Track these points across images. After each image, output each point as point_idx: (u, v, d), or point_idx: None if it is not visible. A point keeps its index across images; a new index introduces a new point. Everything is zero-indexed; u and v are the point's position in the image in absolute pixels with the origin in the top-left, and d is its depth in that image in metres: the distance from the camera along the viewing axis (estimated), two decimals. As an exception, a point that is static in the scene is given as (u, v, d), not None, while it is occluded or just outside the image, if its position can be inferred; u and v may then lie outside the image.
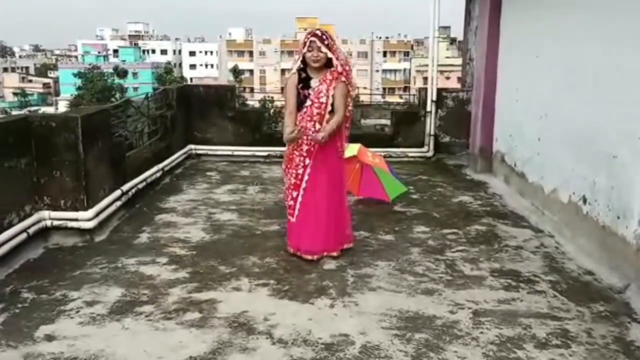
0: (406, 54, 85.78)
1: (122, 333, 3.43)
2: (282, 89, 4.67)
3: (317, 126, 4.39)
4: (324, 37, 4.36)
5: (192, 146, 8.29)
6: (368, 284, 4.14)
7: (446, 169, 7.94)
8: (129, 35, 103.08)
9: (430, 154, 8.44)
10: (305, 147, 4.46)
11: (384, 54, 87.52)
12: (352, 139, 5.42)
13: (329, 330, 3.47)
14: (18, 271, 4.27)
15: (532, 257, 4.72)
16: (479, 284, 4.17)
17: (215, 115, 8.37)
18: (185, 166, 7.86)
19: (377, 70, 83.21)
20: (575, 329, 3.53)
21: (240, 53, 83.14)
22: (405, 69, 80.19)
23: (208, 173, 7.55)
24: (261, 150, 8.40)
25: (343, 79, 4.41)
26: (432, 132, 8.39)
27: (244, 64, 79.96)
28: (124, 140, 5.92)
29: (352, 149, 5.77)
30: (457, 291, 4.04)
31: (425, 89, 8.41)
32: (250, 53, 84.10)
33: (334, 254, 4.58)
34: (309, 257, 4.51)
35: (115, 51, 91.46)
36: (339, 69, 4.41)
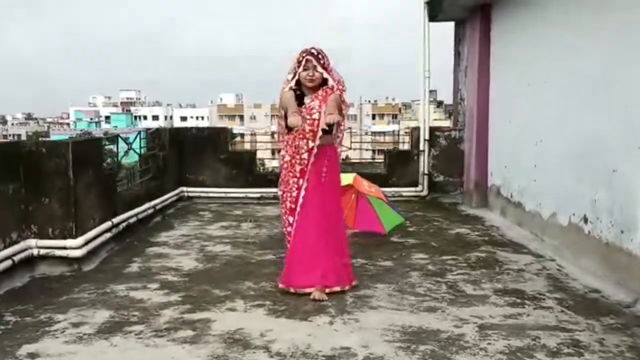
0: (394, 116, 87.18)
1: (111, 350, 3.24)
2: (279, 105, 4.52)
3: (310, 144, 4.21)
4: (320, 56, 4.24)
5: (184, 188, 8.19)
6: (368, 303, 3.98)
7: (441, 206, 7.86)
8: (122, 102, 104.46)
9: (424, 192, 8.37)
10: (298, 167, 4.27)
11: (373, 116, 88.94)
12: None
13: (330, 344, 3.30)
14: (2, 297, 4.09)
15: (535, 278, 4.59)
16: (482, 301, 4.03)
17: (208, 157, 8.32)
18: (177, 207, 7.74)
19: (367, 133, 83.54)
20: (586, 339, 3.37)
21: (231, 117, 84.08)
22: (394, 131, 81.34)
23: (200, 213, 7.42)
24: (254, 192, 8.31)
25: (337, 92, 4.27)
26: (425, 171, 8.36)
27: (234, 127, 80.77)
28: (115, 173, 5.82)
29: (347, 178, 5.71)
30: (461, 308, 3.88)
31: (418, 128, 8.44)
32: (241, 117, 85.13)
33: (335, 288, 4.16)
34: (303, 291, 4.09)
35: (108, 117, 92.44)
36: (332, 85, 4.28)
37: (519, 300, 4.03)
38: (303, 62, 4.24)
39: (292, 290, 4.15)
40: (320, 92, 4.27)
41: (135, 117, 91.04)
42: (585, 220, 4.72)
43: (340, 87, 4.34)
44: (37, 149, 4.61)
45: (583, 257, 4.72)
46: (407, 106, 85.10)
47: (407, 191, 8.36)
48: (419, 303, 3.99)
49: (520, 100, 6.29)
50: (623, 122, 4.21)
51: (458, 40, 8.53)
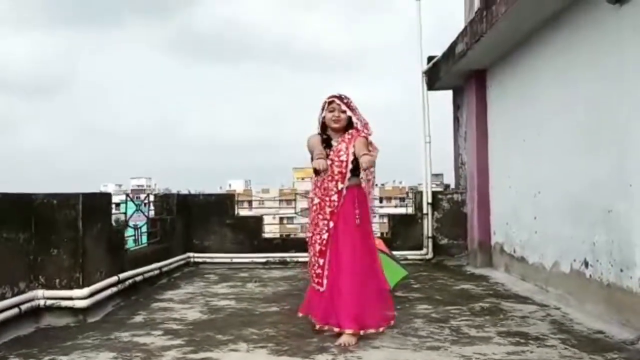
0: (402, 199, 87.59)
1: (113, 383, 3.24)
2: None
3: (340, 185, 4.23)
4: (344, 97, 4.32)
5: (191, 254, 8.26)
6: (371, 344, 3.98)
7: (446, 268, 7.87)
8: (132, 190, 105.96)
9: (429, 256, 8.39)
10: (328, 210, 4.26)
11: (380, 199, 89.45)
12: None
13: (331, 376, 3.30)
14: (7, 344, 4.11)
15: (540, 322, 4.57)
16: (486, 342, 4.01)
17: (215, 223, 8.44)
18: (183, 271, 7.78)
19: (374, 215, 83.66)
20: (590, 370, 3.36)
21: (240, 203, 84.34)
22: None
23: (206, 275, 7.46)
24: (260, 257, 8.36)
25: (363, 134, 4.29)
26: (430, 234, 8.42)
27: (243, 211, 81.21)
28: (122, 230, 5.94)
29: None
30: (464, 347, 3.88)
31: (421, 192, 8.58)
32: (250, 202, 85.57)
33: (376, 329, 4.10)
34: (321, 327, 4.11)
35: (118, 205, 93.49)
36: (359, 127, 4.32)
37: (522, 341, 4.02)
38: (328, 104, 4.34)
39: (311, 319, 4.22)
40: (346, 135, 4.32)
41: (145, 204, 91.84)
42: (586, 264, 4.75)
43: (367, 130, 4.36)
44: (48, 201, 4.77)
45: (587, 302, 4.72)
46: (413, 190, 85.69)
47: (412, 254, 8.38)
48: (422, 343, 3.99)
49: (517, 156, 6.47)
50: (614, 163, 4.36)
51: (457, 107, 8.84)
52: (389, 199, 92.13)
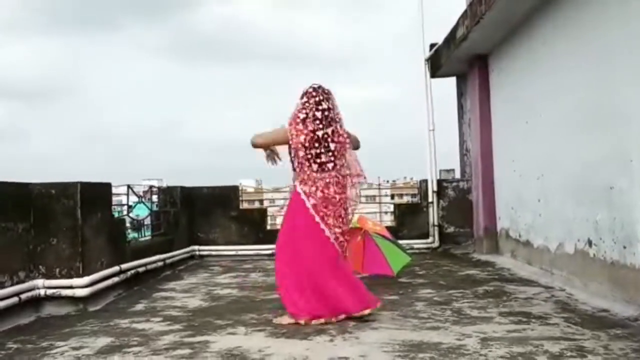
0: (413, 195, 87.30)
1: (107, 365, 3.23)
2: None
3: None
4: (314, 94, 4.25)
5: (196, 247, 8.26)
6: (370, 325, 3.93)
7: (452, 256, 7.81)
8: (144, 192, 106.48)
9: (435, 244, 8.33)
10: None
11: (392, 196, 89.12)
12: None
13: (327, 355, 3.25)
14: (6, 332, 4.10)
15: (543, 303, 4.51)
16: (487, 321, 3.95)
17: (219, 215, 8.43)
18: (187, 264, 7.77)
19: (386, 212, 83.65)
20: (591, 345, 3.28)
21: (251, 202, 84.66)
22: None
23: (211, 267, 7.44)
24: (265, 249, 8.32)
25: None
26: (435, 223, 8.36)
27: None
28: (124, 220, 5.94)
29: (352, 221, 5.72)
30: (465, 327, 3.81)
31: (426, 181, 8.51)
32: (261, 202, 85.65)
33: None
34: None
35: (130, 206, 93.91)
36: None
37: (524, 319, 3.96)
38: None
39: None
40: None
41: (150, 195, 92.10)
42: (590, 243, 4.68)
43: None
44: (46, 190, 4.77)
45: (592, 282, 4.65)
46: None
47: (418, 243, 8.33)
48: (422, 324, 3.93)
49: (520, 140, 6.39)
50: (615, 140, 4.28)
51: (460, 94, 8.76)
52: (400, 195, 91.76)
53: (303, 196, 4.18)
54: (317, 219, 4.16)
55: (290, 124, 4.22)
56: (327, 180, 4.17)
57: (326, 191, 4.16)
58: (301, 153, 4.17)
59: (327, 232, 4.16)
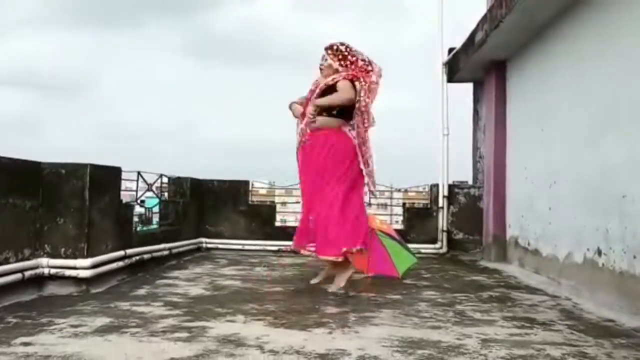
0: (425, 205, 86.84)
1: (103, 343, 3.21)
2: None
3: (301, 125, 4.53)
4: (330, 47, 4.51)
5: (203, 239, 8.25)
6: (370, 321, 3.89)
7: (460, 262, 7.73)
8: (156, 187, 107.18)
9: (443, 250, 8.26)
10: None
11: (403, 205, 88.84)
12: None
13: (325, 346, 3.22)
14: (7, 307, 4.11)
15: (548, 310, 4.43)
16: (490, 324, 3.89)
17: (228, 209, 8.43)
18: (194, 255, 7.77)
19: (397, 222, 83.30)
20: (593, 352, 3.22)
21: (263, 203, 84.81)
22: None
23: (217, 260, 7.44)
24: (272, 245, 8.32)
25: (344, 75, 4.41)
26: (444, 228, 8.29)
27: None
28: (132, 205, 5.94)
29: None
30: (466, 328, 3.76)
31: (437, 185, 8.45)
32: (272, 203, 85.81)
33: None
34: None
35: (142, 201, 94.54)
36: (341, 71, 4.46)
37: (527, 324, 3.89)
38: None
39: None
40: (329, 79, 4.56)
41: (158, 186, 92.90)
42: (599, 252, 4.60)
43: (356, 71, 4.54)
44: (56, 170, 4.78)
45: (599, 292, 4.57)
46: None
47: (425, 248, 8.27)
48: (423, 323, 3.89)
49: (534, 147, 6.32)
50: (629, 147, 4.20)
51: (476, 100, 8.70)
52: (412, 204, 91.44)
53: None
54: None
55: (359, 79, 4.47)
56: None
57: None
58: (364, 116, 4.57)
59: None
